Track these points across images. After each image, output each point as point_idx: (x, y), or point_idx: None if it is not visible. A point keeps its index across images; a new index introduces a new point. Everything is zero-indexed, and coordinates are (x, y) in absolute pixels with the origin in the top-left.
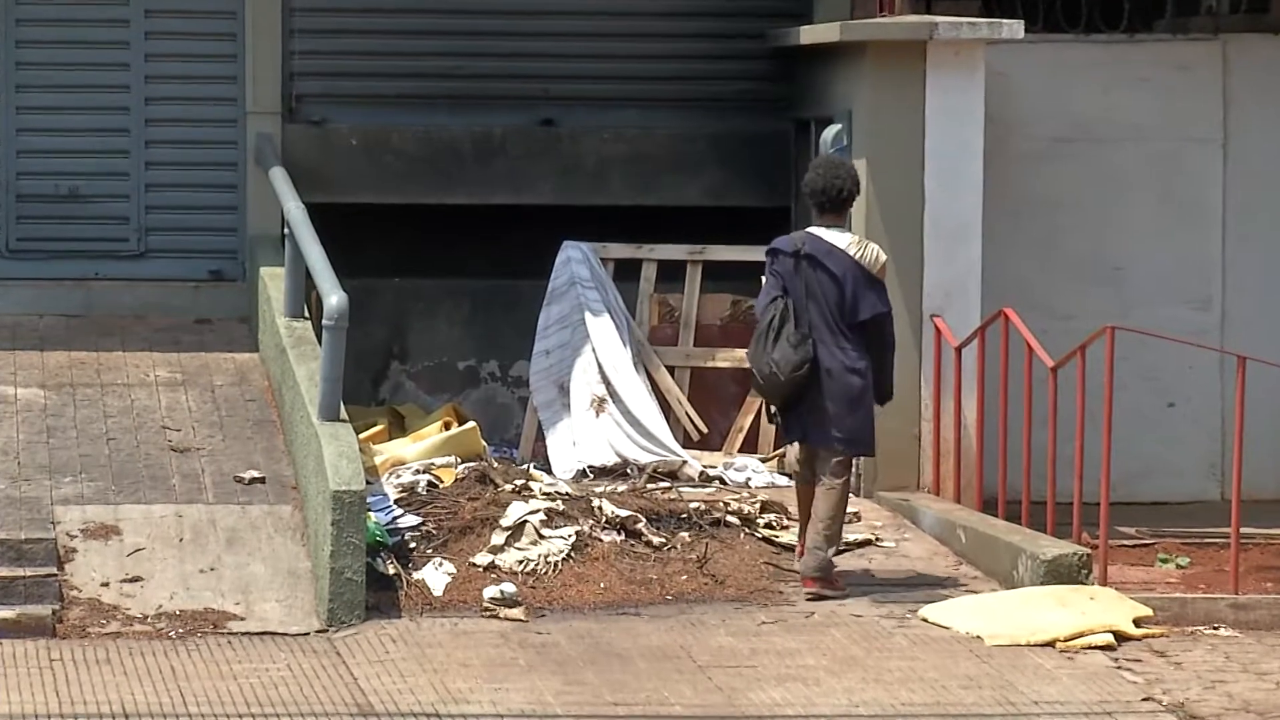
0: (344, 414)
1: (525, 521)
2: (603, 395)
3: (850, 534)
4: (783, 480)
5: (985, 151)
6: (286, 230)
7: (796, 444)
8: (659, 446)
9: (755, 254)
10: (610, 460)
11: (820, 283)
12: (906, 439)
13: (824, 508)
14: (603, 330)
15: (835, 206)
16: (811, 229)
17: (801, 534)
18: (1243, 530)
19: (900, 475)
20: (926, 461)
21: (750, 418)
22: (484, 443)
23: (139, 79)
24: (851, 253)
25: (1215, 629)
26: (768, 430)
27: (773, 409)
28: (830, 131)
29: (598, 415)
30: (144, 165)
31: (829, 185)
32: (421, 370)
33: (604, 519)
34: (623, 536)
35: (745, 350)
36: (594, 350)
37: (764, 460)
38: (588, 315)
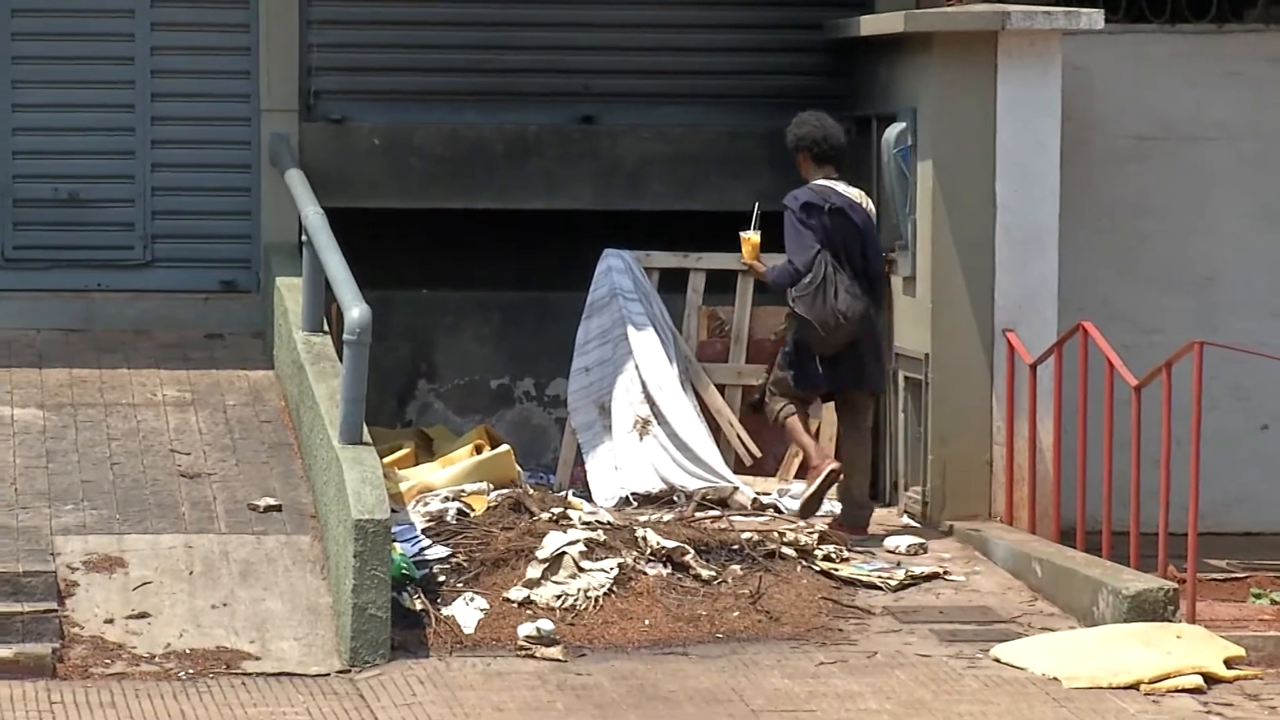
0: (367, 436)
1: (563, 553)
2: (647, 416)
3: (917, 567)
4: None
5: (1062, 152)
6: (304, 237)
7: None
8: (708, 472)
9: None
10: (655, 487)
11: (847, 235)
12: (977, 464)
13: (863, 453)
14: (647, 345)
15: (834, 156)
16: (822, 182)
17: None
18: None
19: (970, 504)
20: (999, 489)
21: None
22: (518, 468)
23: (145, 74)
24: (866, 205)
25: None
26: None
27: (786, 377)
28: (893, 131)
29: (641, 438)
30: (150, 167)
31: (829, 134)
32: (450, 389)
33: (649, 550)
34: (669, 569)
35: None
36: (637, 367)
37: None
38: (630, 329)
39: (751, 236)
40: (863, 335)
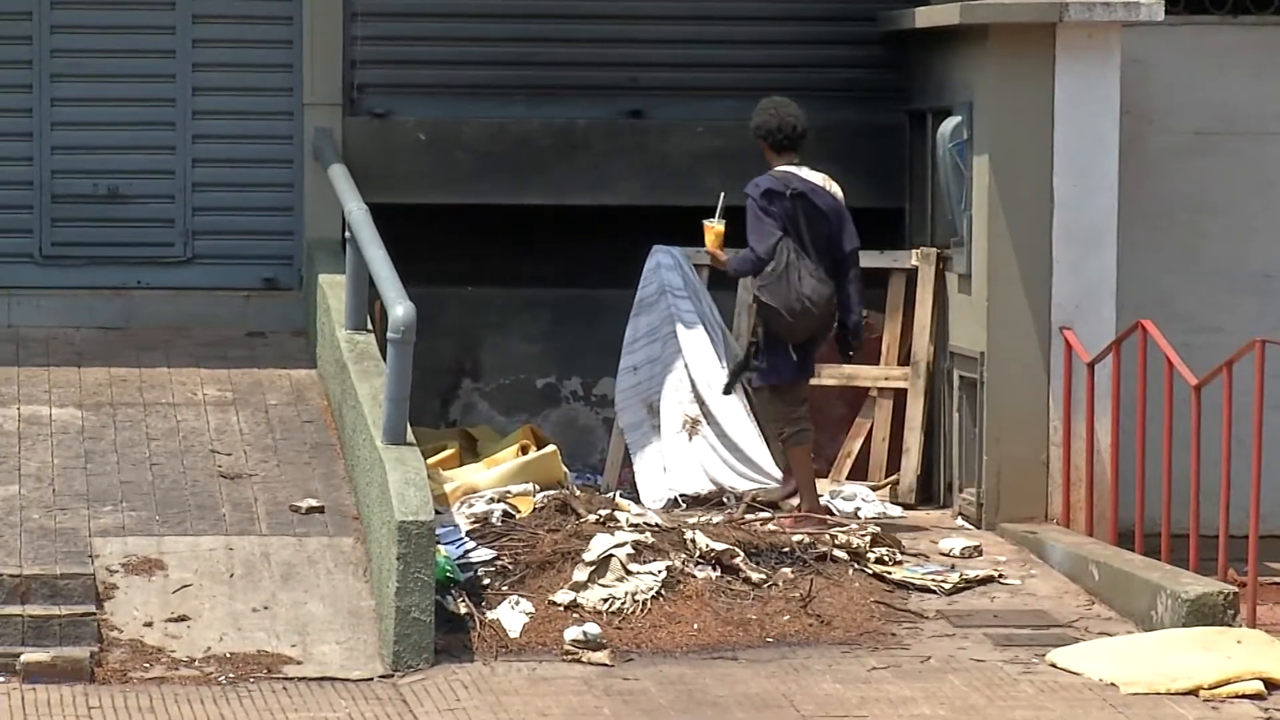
0: (411, 437)
1: (611, 556)
2: (696, 416)
3: (971, 570)
4: (895, 510)
5: (1121, 147)
6: (347, 234)
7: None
8: (758, 473)
9: (866, 260)
10: (704, 488)
11: (812, 220)
12: (1033, 465)
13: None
14: (696, 344)
15: (794, 143)
16: (785, 168)
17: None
18: None
19: (1026, 505)
20: (1055, 490)
21: (859, 441)
22: (565, 468)
23: (186, 68)
24: (831, 189)
25: None
26: (879, 455)
27: (753, 358)
28: (948, 125)
29: (690, 438)
30: (191, 162)
31: (783, 123)
32: (495, 389)
33: (698, 553)
34: (718, 572)
35: (851, 365)
36: (686, 366)
37: (874, 488)
38: (679, 327)
39: (715, 225)
40: (830, 321)
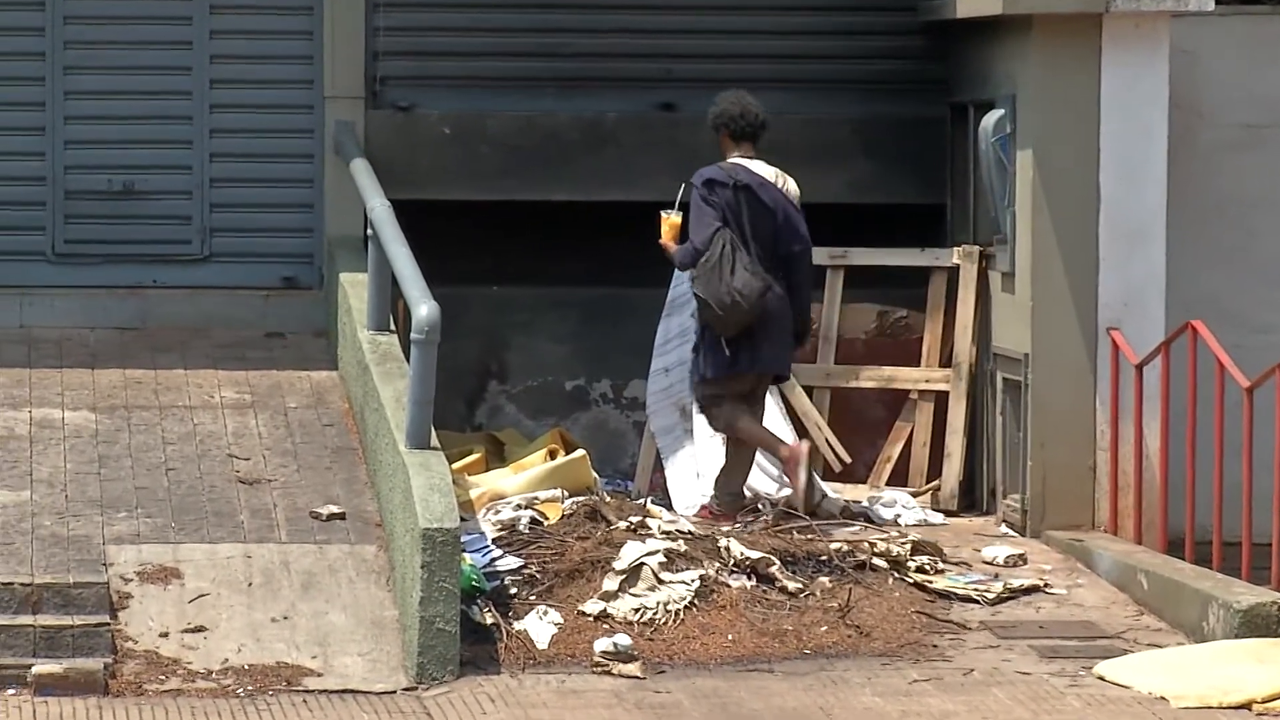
0: (435, 441)
1: (642, 564)
2: None
3: (1016, 579)
4: (937, 517)
5: (1169, 141)
6: (370, 231)
7: (721, 377)
8: None
9: (906, 257)
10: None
11: (757, 214)
12: (1079, 471)
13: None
14: None
15: (752, 134)
16: (734, 160)
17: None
18: None
19: (1072, 512)
20: (1102, 497)
21: (900, 446)
22: (594, 474)
23: (203, 59)
24: (784, 185)
25: None
26: (919, 460)
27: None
28: (991, 118)
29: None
30: (208, 157)
31: (745, 111)
32: (523, 391)
33: (732, 561)
34: (753, 582)
35: (891, 367)
36: None
37: (915, 495)
38: None
39: (671, 217)
40: (765, 316)
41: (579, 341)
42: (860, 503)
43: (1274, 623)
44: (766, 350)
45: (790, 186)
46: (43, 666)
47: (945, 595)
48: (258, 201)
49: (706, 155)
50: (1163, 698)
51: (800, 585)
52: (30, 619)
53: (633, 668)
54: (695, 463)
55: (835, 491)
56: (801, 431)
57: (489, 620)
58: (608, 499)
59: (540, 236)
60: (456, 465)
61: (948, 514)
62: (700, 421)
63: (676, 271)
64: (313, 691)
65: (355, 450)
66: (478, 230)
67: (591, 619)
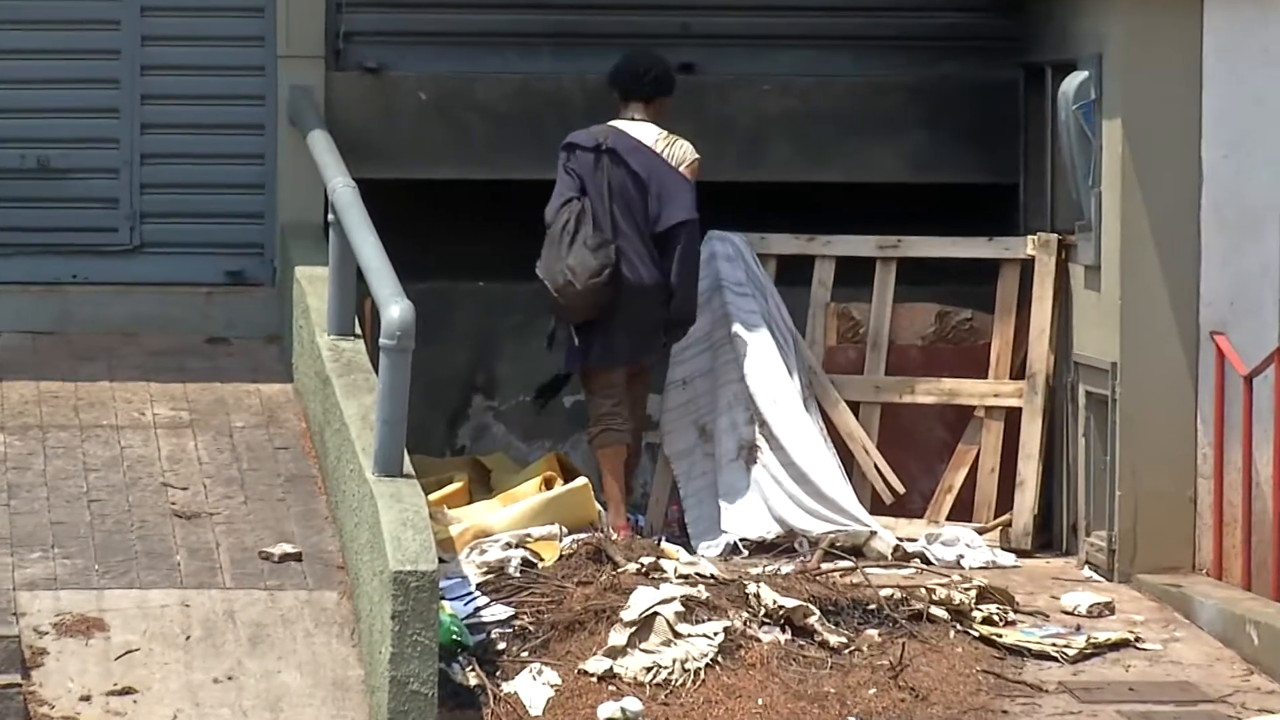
0: (409, 467)
1: (655, 614)
2: (753, 440)
3: (1101, 632)
4: (1006, 558)
5: None
6: (331, 217)
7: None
8: (837, 512)
9: (971, 248)
10: (771, 530)
11: (623, 184)
12: (1177, 502)
13: (630, 451)
14: (760, 351)
15: (638, 92)
16: (614, 122)
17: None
18: None
19: (1169, 552)
20: (1205, 533)
21: (963, 473)
22: (598, 506)
23: (133, 12)
24: (659, 149)
25: None
26: (986, 489)
27: (555, 331)
28: (1072, 82)
29: (749, 467)
30: (139, 129)
31: (630, 65)
32: (514, 407)
33: (763, 611)
34: (788, 635)
35: (952, 379)
36: (746, 379)
37: (981, 531)
38: (739, 330)
39: None
40: (617, 301)
41: None
42: (916, 541)
43: None
44: (621, 341)
45: (677, 152)
46: None
47: (1017, 651)
48: (198, 181)
49: (738, 126)
50: None
51: (844, 639)
52: None
53: None
54: (717, 492)
55: (886, 528)
56: (845, 457)
57: (472, 681)
58: (614, 536)
59: (539, 222)
60: (434, 496)
61: (1020, 554)
62: (724, 442)
63: (703, 264)
64: None
65: (314, 478)
66: (463, 215)
67: (595, 680)
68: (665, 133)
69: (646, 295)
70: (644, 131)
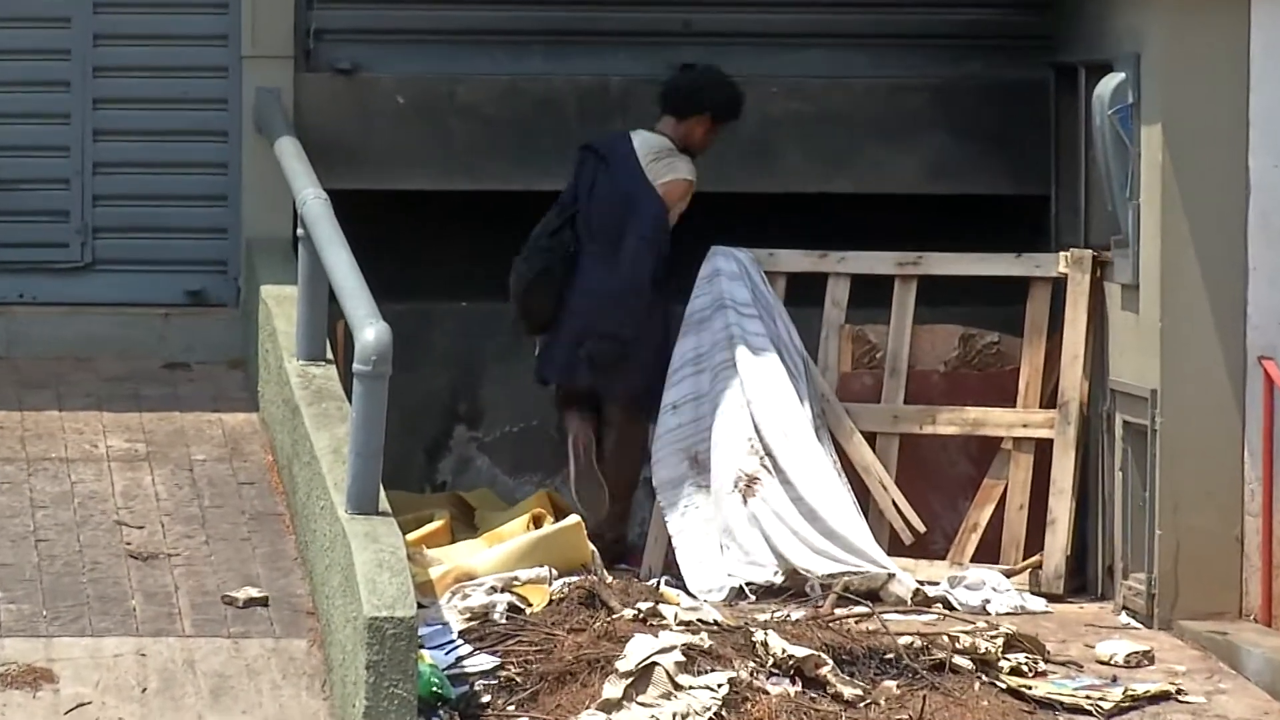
0: (385, 504)
1: (654, 664)
2: (754, 472)
3: (1140, 684)
4: (1037, 603)
5: None
6: (301, 231)
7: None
8: (852, 553)
9: (998, 265)
10: (779, 574)
11: (602, 191)
12: (1223, 542)
13: (610, 479)
14: (768, 377)
15: (665, 105)
16: (637, 129)
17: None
18: None
19: (1213, 596)
20: (1253, 575)
21: (989, 510)
22: (592, 546)
23: (85, 9)
24: (645, 163)
25: None
26: (1015, 528)
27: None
28: (1108, 85)
29: (745, 501)
30: (91, 135)
31: (673, 78)
32: (500, 439)
33: (771, 660)
34: (799, 687)
35: (977, 408)
36: (751, 407)
37: (1010, 574)
38: (743, 353)
39: None
40: (560, 315)
41: None
42: (938, 584)
43: None
44: (554, 354)
45: (660, 169)
46: None
47: (1048, 705)
48: (155, 193)
49: (745, 132)
50: None
51: (859, 691)
52: None
53: None
54: (717, 529)
55: (905, 570)
56: (862, 492)
57: None
58: (609, 579)
59: (525, 236)
60: (413, 536)
61: (1051, 598)
62: (721, 474)
63: (698, 281)
64: None
65: (281, 516)
66: (444, 229)
67: None
68: (668, 149)
69: (588, 313)
70: (647, 143)
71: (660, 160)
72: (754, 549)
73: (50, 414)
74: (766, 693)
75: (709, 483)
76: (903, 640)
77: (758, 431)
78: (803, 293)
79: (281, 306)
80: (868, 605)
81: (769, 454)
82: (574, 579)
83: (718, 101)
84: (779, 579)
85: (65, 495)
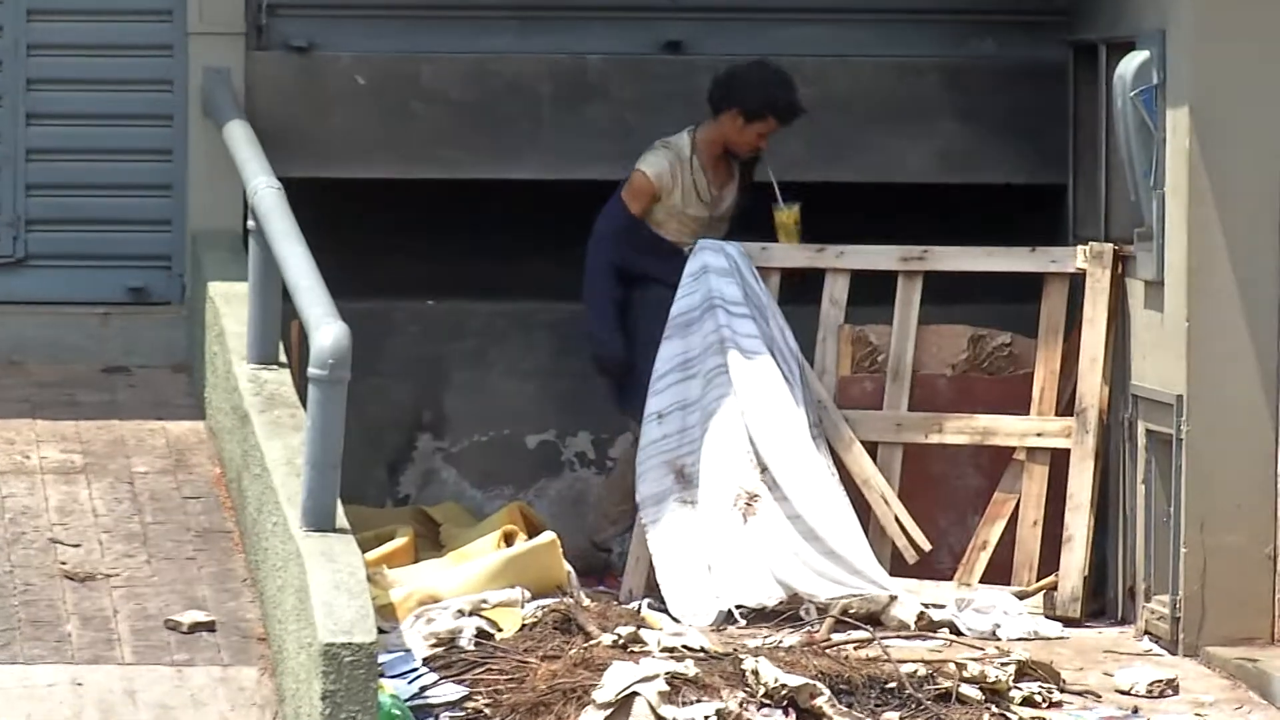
0: (343, 520)
1: (634, 694)
2: (754, 489)
3: (1164, 714)
4: (1052, 628)
5: None
6: (252, 224)
7: None
8: (851, 573)
9: (1011, 260)
10: (771, 596)
11: None
12: (1254, 561)
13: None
14: (761, 382)
15: (707, 100)
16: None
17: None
18: None
19: (1243, 620)
20: None
21: (1000, 526)
22: (568, 567)
23: None
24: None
25: None
26: (1028, 546)
27: None
28: (1130, 64)
29: (746, 519)
30: (23, 119)
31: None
32: (468, 449)
33: (762, 690)
34: (792, 718)
35: (988, 415)
36: (744, 415)
37: (1022, 595)
38: (734, 357)
39: (786, 211)
40: None
41: (550, 378)
42: (944, 607)
43: None
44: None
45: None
46: None
47: None
48: (94, 181)
49: None
50: None
51: None
52: None
53: None
54: (703, 549)
55: (909, 592)
56: (862, 507)
57: None
58: (587, 602)
59: (498, 230)
60: (373, 555)
61: (1068, 623)
62: (711, 488)
63: (684, 278)
64: None
65: (229, 533)
66: (406, 222)
67: None
68: (662, 141)
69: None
70: (663, 135)
71: (646, 151)
72: (748, 571)
73: None
74: None
75: (695, 498)
76: (905, 668)
77: (753, 444)
78: (798, 290)
79: (230, 305)
80: (868, 630)
81: (765, 467)
82: (548, 602)
83: (746, 96)
84: (772, 602)
85: None
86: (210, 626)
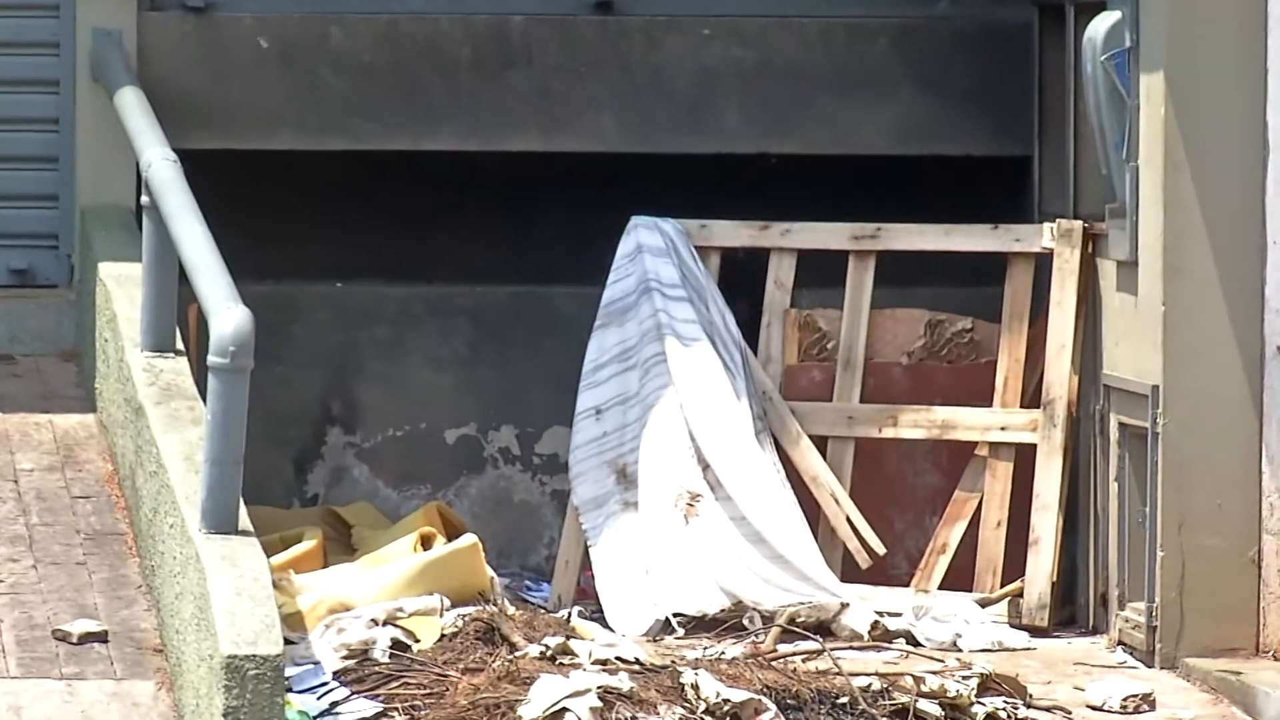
0: (246, 521)
1: (564, 710)
2: (698, 488)
3: None
4: (1017, 638)
5: None
6: (146, 199)
7: None
8: (799, 579)
9: (971, 238)
10: (713, 603)
11: None
12: (1236, 565)
13: None
14: (698, 371)
15: None
16: None
17: None
18: None
19: (1225, 628)
20: (1272, 604)
21: (960, 528)
22: (491, 572)
23: None
24: None
25: None
26: (991, 549)
27: None
28: (1101, 26)
29: (688, 521)
30: None
31: None
32: (382, 444)
33: (702, 706)
34: None
35: (947, 409)
36: (683, 409)
37: (985, 603)
38: (672, 344)
39: None
40: None
41: (470, 369)
42: (900, 616)
43: None
44: None
45: None
46: None
47: None
48: None
49: (673, 83)
50: None
51: None
52: None
53: None
54: (642, 553)
55: (862, 599)
56: (811, 507)
57: None
58: (511, 611)
59: (414, 206)
60: (279, 559)
61: (1034, 632)
62: (650, 488)
63: (617, 258)
64: None
65: (123, 536)
66: (314, 198)
67: None
68: None
69: None
70: None
71: None
72: (688, 576)
73: None
74: None
75: (637, 499)
76: (858, 682)
77: (693, 439)
78: (741, 272)
79: (123, 288)
80: (817, 640)
81: (707, 465)
82: (469, 610)
83: None
84: (713, 610)
85: None
86: (102, 637)
